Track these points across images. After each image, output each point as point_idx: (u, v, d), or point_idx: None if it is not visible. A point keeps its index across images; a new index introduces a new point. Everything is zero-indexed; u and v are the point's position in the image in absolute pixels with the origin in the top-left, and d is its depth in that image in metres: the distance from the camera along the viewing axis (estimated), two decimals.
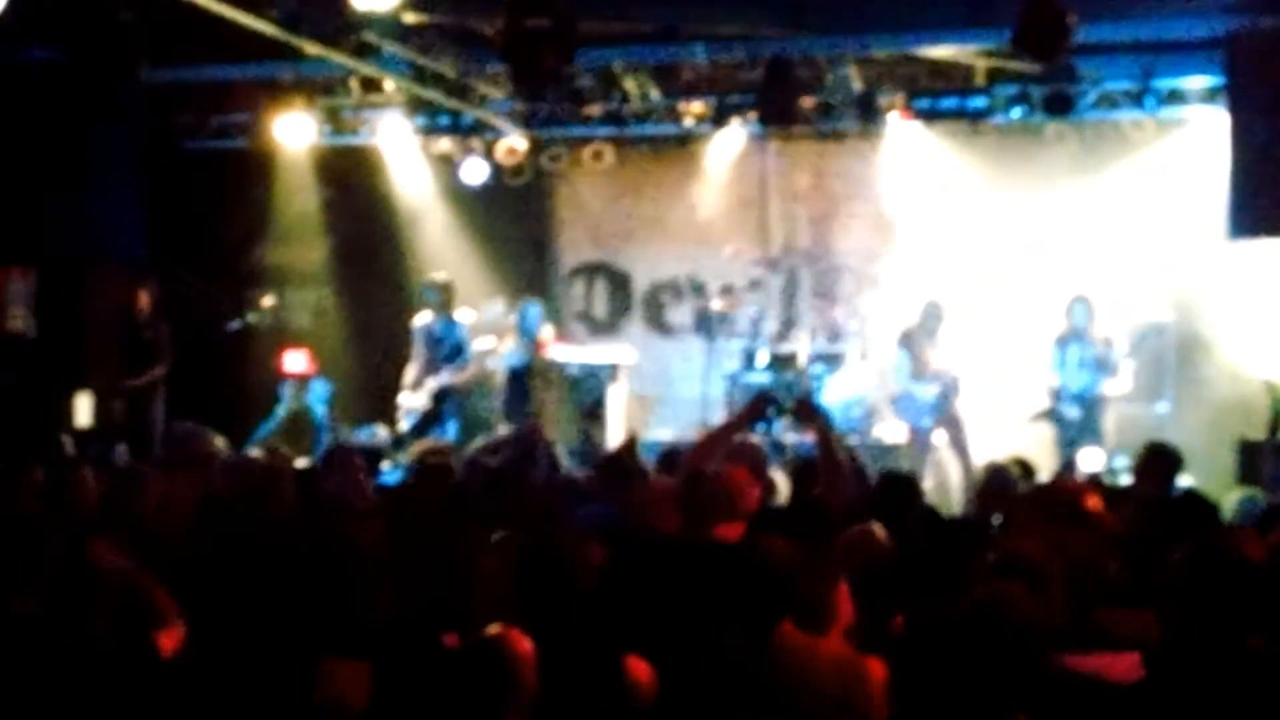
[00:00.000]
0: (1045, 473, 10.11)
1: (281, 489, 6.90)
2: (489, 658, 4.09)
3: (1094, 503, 5.83)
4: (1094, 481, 8.02)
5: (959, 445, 11.90)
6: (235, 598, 4.84)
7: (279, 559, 5.29)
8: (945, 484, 11.83)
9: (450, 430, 12.32)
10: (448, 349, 12.32)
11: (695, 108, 13.26)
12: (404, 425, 12.29)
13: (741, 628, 4.59)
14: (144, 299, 12.30)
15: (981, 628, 3.65)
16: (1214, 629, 3.90)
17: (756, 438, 8.48)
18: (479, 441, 10.00)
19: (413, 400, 12.27)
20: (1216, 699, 3.77)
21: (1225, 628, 3.90)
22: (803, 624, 4.56)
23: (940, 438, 12.04)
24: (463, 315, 12.60)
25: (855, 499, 6.54)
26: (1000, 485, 7.47)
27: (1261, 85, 10.90)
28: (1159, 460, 7.58)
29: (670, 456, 7.90)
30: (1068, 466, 11.10)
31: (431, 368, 12.30)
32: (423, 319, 12.41)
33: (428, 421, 12.22)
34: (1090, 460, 11.08)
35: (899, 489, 7.11)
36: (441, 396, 12.29)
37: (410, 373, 12.35)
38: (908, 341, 12.26)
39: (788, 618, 4.54)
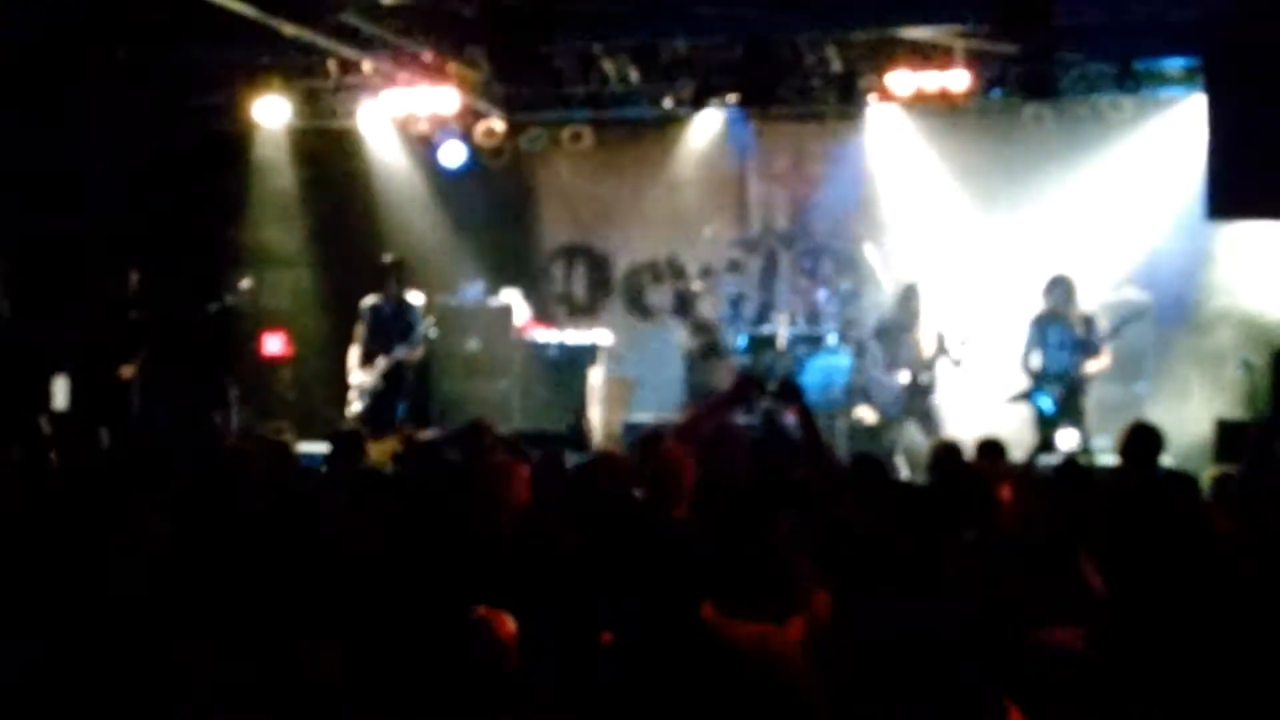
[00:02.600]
0: (1022, 452, 10.19)
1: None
2: (474, 638, 4.10)
3: (1006, 494, 5.81)
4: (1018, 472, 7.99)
5: (928, 430, 11.90)
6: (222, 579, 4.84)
7: (259, 540, 5.30)
8: (918, 466, 11.85)
9: (399, 410, 12.22)
10: (399, 329, 12.21)
11: (674, 90, 13.25)
12: (356, 406, 12.16)
13: (669, 606, 4.58)
14: (133, 279, 12.24)
15: (956, 608, 3.66)
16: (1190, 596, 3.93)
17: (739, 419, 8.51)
18: (431, 433, 9.94)
19: (364, 379, 12.16)
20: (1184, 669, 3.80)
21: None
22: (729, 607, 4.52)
23: (912, 422, 12.06)
24: (414, 297, 12.50)
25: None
26: (951, 462, 7.52)
27: (1239, 67, 10.92)
28: (1142, 439, 7.62)
29: (651, 439, 7.89)
30: (1045, 447, 11.13)
31: (381, 348, 12.16)
32: (371, 299, 12.30)
33: (380, 402, 12.11)
34: (1067, 440, 11.10)
35: (869, 470, 7.12)
36: (393, 375, 12.17)
37: (355, 352, 12.24)
38: (882, 333, 12.28)
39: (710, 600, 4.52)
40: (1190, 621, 3.96)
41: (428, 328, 12.38)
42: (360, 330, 12.25)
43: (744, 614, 4.37)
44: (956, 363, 11.90)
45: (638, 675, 4.29)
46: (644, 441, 7.94)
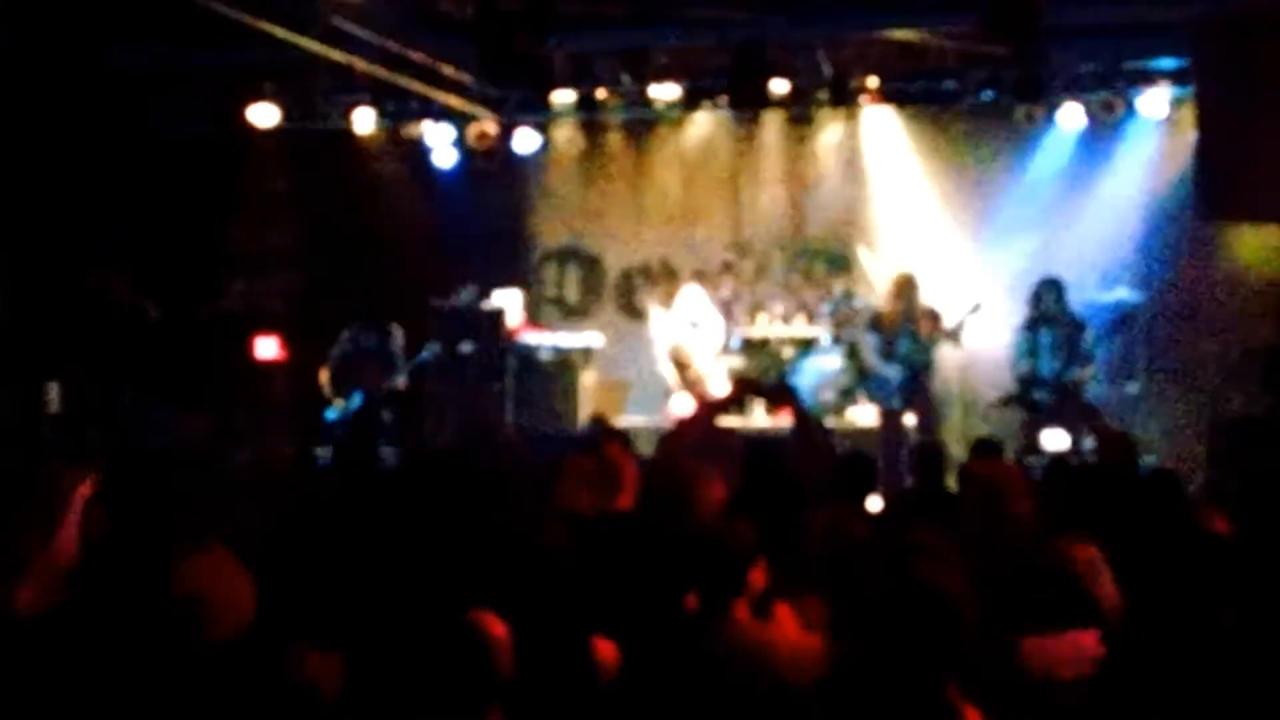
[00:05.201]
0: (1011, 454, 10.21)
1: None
2: (463, 642, 4.09)
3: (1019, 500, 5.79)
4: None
5: (925, 429, 11.86)
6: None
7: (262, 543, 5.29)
8: None
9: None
10: (379, 361, 12.17)
11: (666, 91, 13.26)
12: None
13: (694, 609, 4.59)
14: (119, 285, 12.21)
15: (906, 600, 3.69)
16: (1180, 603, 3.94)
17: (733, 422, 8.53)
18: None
19: (344, 405, 12.10)
20: (1181, 673, 3.81)
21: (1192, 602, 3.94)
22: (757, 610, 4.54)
23: (911, 420, 12.03)
24: (394, 329, 12.47)
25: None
26: (933, 461, 7.54)
27: (1229, 68, 10.95)
28: (1116, 446, 7.68)
29: (605, 437, 7.91)
30: (1030, 448, 11.13)
31: (358, 378, 12.10)
32: (353, 329, 12.23)
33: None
34: (1055, 441, 11.09)
35: (857, 470, 7.12)
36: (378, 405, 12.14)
37: (325, 375, 12.14)
38: (877, 323, 12.24)
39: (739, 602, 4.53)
40: (1191, 624, 3.97)
41: (417, 361, 12.32)
42: (335, 356, 12.19)
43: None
44: (954, 336, 11.82)
45: (654, 682, 4.32)
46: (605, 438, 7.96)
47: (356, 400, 12.04)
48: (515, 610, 4.28)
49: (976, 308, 11.75)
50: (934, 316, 11.88)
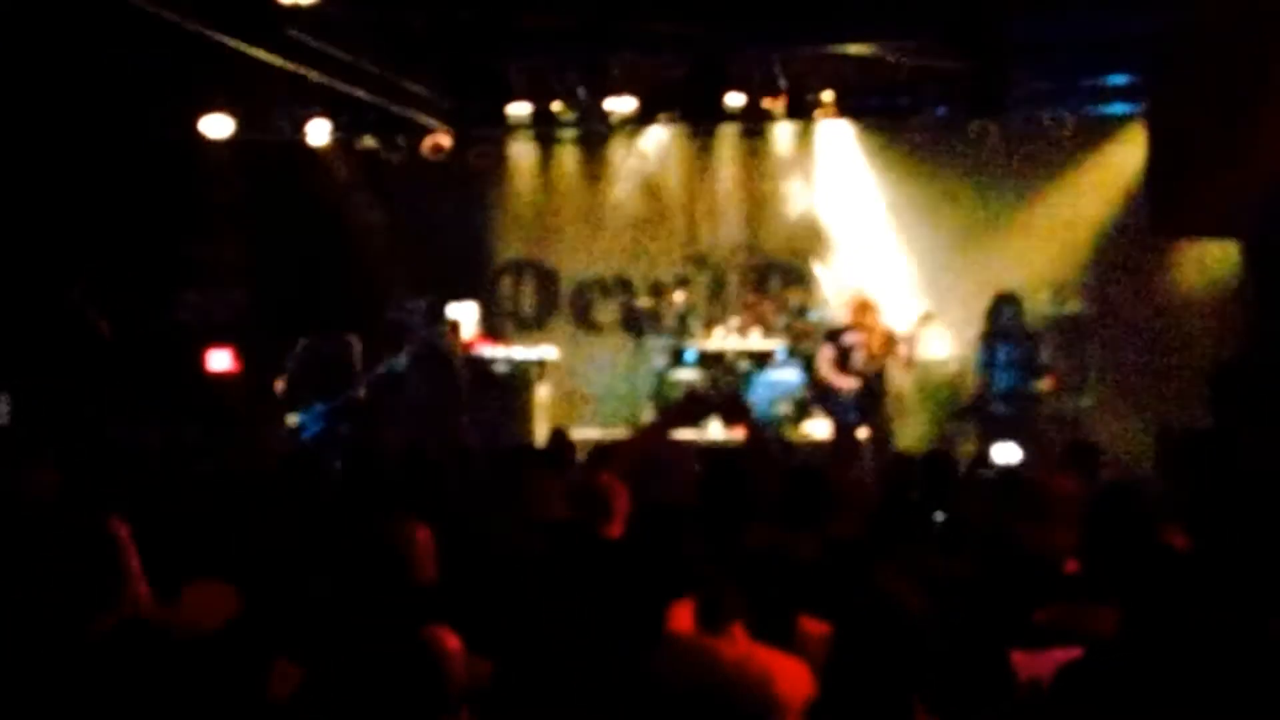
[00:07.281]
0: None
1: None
2: (417, 657, 4.07)
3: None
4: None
5: (879, 442, 11.87)
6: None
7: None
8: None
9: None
10: (337, 370, 12.08)
11: (622, 104, 13.26)
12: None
13: (631, 621, 4.59)
14: (72, 294, 12.11)
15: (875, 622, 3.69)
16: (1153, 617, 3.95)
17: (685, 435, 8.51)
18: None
19: (301, 418, 12.01)
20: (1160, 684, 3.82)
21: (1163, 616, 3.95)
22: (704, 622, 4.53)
23: (865, 433, 12.05)
24: (352, 338, 12.41)
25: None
26: (903, 474, 7.55)
27: (1180, 84, 11.02)
28: (1080, 456, 7.69)
29: (601, 454, 7.89)
30: (980, 460, 11.15)
31: (316, 388, 12.01)
32: (309, 340, 12.14)
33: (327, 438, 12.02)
34: (1006, 454, 11.11)
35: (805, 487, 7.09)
36: (336, 417, 12.08)
37: (281, 386, 12.06)
38: (834, 337, 12.25)
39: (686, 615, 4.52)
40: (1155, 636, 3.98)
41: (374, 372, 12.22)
42: (292, 366, 12.10)
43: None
44: (908, 362, 11.89)
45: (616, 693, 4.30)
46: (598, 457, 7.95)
47: (318, 412, 11.95)
48: (472, 617, 4.27)
49: (928, 316, 11.84)
50: (891, 338, 11.91)
